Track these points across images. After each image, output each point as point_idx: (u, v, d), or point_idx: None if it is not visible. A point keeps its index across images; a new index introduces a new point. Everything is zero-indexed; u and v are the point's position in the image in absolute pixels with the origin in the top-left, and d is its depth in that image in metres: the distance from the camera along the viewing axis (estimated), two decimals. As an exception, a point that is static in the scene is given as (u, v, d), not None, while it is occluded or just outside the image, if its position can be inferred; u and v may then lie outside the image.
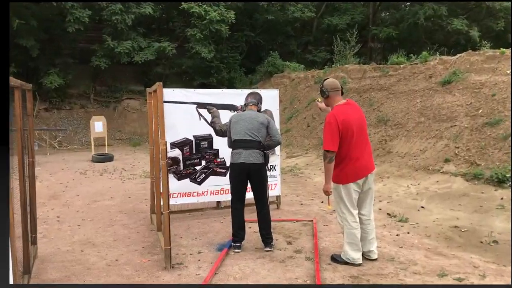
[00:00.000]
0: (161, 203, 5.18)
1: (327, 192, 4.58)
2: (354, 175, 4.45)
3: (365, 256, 4.64)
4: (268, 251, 4.97)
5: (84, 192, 8.43)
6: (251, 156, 4.85)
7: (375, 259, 4.63)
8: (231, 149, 5.06)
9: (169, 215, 4.53)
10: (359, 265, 4.49)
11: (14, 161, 3.67)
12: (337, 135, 4.31)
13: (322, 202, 7.27)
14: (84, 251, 5.11)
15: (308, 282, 4.13)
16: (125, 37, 17.56)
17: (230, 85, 19.83)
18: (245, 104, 5.39)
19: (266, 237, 5.06)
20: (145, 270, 4.49)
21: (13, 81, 3.40)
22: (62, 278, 4.29)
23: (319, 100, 5.13)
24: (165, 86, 5.22)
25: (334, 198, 4.64)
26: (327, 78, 4.80)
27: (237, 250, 4.97)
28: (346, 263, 4.52)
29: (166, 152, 4.64)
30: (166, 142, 4.59)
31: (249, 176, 4.96)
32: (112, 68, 18.47)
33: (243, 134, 4.90)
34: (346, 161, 4.41)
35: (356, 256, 4.51)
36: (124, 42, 17.24)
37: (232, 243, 5.08)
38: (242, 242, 5.09)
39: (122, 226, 6.14)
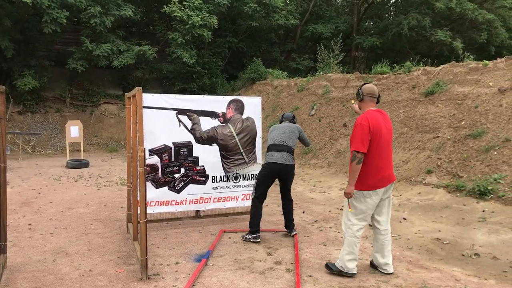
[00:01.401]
0: (138, 212, 5.02)
1: (349, 195, 4.38)
2: (377, 184, 4.34)
3: (381, 270, 4.56)
4: (294, 235, 5.79)
5: (57, 199, 8.14)
6: (282, 158, 5.62)
7: (391, 273, 4.53)
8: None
9: (146, 224, 4.35)
10: (353, 275, 4.44)
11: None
12: (367, 137, 4.23)
13: (303, 212, 7.17)
14: (56, 260, 4.88)
15: (290, 296, 4.00)
16: (104, 39, 17.19)
17: (212, 91, 19.68)
18: (282, 120, 6.24)
19: (292, 224, 5.89)
20: (120, 281, 4.29)
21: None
22: (31, 290, 4.07)
23: (353, 102, 5.11)
24: (144, 91, 5.05)
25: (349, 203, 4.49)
26: (367, 83, 4.69)
27: (258, 240, 5.58)
28: (340, 272, 4.45)
29: (145, 159, 4.47)
30: (144, 148, 4.41)
31: (278, 175, 5.71)
32: (90, 71, 18.08)
33: (277, 141, 5.77)
34: (371, 169, 4.31)
35: (351, 266, 4.43)
36: (102, 45, 16.85)
37: (252, 236, 5.59)
38: None
39: (97, 235, 5.91)
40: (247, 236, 5.64)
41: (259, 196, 5.68)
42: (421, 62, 12.34)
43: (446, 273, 4.57)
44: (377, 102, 4.53)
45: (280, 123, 6.15)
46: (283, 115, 6.50)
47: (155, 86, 20.30)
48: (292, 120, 6.23)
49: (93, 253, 5.14)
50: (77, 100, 18.97)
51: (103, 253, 5.15)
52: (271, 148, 5.76)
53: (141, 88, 4.43)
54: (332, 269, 4.51)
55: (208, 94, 16.77)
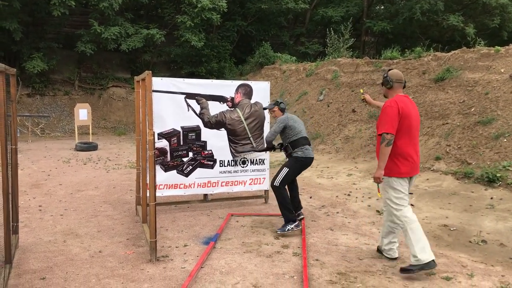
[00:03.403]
0: (147, 195, 5.07)
1: (378, 179, 4.22)
2: (409, 171, 4.22)
3: (386, 254, 4.57)
4: (301, 218, 5.77)
5: (67, 181, 8.23)
6: (312, 151, 5.69)
7: (396, 258, 4.53)
8: (293, 145, 5.53)
9: (155, 207, 4.40)
10: (434, 266, 4.08)
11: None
12: (397, 119, 4.09)
13: (310, 197, 7.20)
14: (66, 241, 4.96)
15: (295, 278, 4.05)
16: (112, 22, 17.16)
17: (220, 75, 19.62)
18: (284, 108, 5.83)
19: (300, 206, 5.92)
20: (129, 262, 4.36)
21: (-5, 64, 3.23)
22: (44, 269, 4.14)
23: (362, 91, 5.05)
24: (153, 74, 5.05)
25: (386, 193, 4.36)
26: (391, 69, 4.50)
27: (300, 227, 5.40)
28: (422, 267, 4.02)
29: (154, 142, 4.50)
30: (154, 132, 4.44)
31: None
32: (98, 54, 18.09)
33: (305, 132, 5.67)
34: (401, 155, 4.17)
35: (426, 257, 4.03)
36: (111, 28, 16.83)
37: (294, 225, 5.30)
38: None
39: (106, 217, 5.98)
40: (288, 227, 5.27)
41: (285, 185, 5.49)
42: (431, 48, 12.18)
43: (452, 259, 4.59)
44: (404, 87, 4.40)
45: (283, 111, 5.78)
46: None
47: (163, 70, 20.27)
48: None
49: (103, 235, 5.21)
50: (86, 83, 19.02)
51: (113, 235, 5.22)
52: (304, 141, 5.54)
53: (150, 72, 4.43)
54: (412, 270, 4.06)
55: (216, 78, 16.70)
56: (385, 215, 4.63)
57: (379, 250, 4.72)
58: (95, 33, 16.66)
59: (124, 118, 18.58)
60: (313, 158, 5.62)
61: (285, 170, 5.39)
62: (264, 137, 6.64)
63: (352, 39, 17.08)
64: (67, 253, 4.60)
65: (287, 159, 5.65)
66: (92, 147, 12.53)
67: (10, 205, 4.16)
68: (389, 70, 4.45)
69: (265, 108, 6.35)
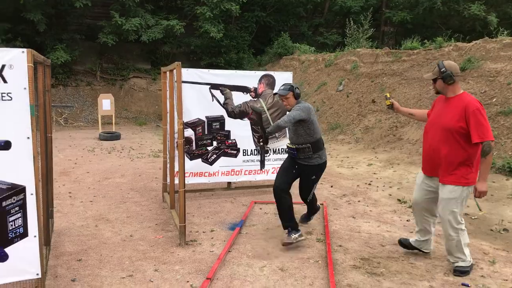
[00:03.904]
0: (176, 182, 5.26)
1: (484, 193, 3.74)
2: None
3: (422, 249, 4.39)
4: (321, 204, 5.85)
5: (94, 169, 8.48)
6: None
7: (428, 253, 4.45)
8: (316, 147, 4.64)
9: (184, 193, 4.58)
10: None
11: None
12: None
13: (331, 186, 7.31)
14: (98, 226, 5.18)
15: (320, 262, 4.19)
16: (133, 14, 17.37)
17: (238, 66, 19.70)
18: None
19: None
20: (159, 246, 4.55)
21: (38, 56, 3.41)
22: (80, 251, 4.36)
23: (388, 95, 4.50)
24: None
25: (449, 204, 3.87)
26: (444, 60, 4.09)
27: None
28: (471, 266, 4.04)
29: (183, 131, 4.66)
30: (183, 122, 4.60)
31: None
32: (119, 45, 18.32)
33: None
34: (477, 159, 3.81)
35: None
36: (132, 19, 17.04)
37: (297, 235, 4.59)
38: None
39: (134, 203, 6.20)
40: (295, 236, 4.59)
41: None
42: (452, 38, 12.10)
43: (474, 247, 4.67)
44: None
45: (298, 98, 4.74)
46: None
47: (182, 61, 20.16)
48: None
49: (132, 220, 5.42)
50: (107, 74, 19.31)
51: (142, 220, 5.42)
52: (322, 144, 4.78)
53: (180, 63, 4.58)
54: (466, 271, 3.96)
55: (235, 69, 16.82)
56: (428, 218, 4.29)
57: (403, 245, 4.49)
58: (116, 25, 16.87)
59: (144, 108, 18.84)
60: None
61: (315, 184, 4.87)
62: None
63: (372, 29, 16.98)
64: (100, 237, 4.82)
65: (300, 162, 4.72)
66: (115, 136, 12.80)
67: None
68: (443, 62, 3.94)
69: (275, 94, 5.35)
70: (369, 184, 7.37)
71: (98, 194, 6.66)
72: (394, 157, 8.65)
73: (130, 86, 19.42)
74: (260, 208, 6.05)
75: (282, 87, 4.68)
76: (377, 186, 7.22)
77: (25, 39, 16.49)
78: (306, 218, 5.32)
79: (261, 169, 4.85)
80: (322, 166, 4.76)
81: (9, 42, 15.95)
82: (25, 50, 3.07)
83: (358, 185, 7.34)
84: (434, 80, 3.97)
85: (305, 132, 4.58)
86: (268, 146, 6.73)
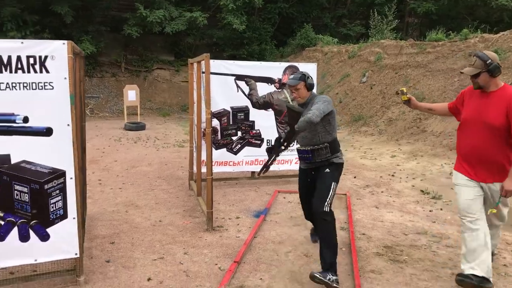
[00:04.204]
0: (203, 170, 5.43)
1: (511, 193, 3.39)
2: None
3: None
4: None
5: (121, 158, 8.72)
6: None
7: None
8: (334, 146, 3.85)
9: (212, 180, 4.73)
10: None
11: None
12: None
13: (355, 177, 7.37)
14: (128, 212, 5.38)
15: (344, 250, 4.29)
16: (157, 6, 17.58)
17: (260, 57, 19.76)
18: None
19: None
20: (188, 231, 4.73)
21: (75, 48, 3.58)
22: (112, 235, 4.57)
23: (404, 90, 4.06)
24: (195, 57, 5.34)
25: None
26: (485, 51, 3.60)
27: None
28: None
29: (211, 121, 4.80)
30: (211, 111, 4.74)
31: None
32: (143, 37, 18.58)
33: None
34: None
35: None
36: (156, 11, 17.27)
37: (335, 277, 3.47)
38: None
39: (161, 190, 6.39)
40: (332, 277, 3.42)
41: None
42: (478, 29, 11.93)
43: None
44: None
45: (311, 89, 3.93)
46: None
47: (205, 53, 20.45)
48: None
49: (161, 206, 5.61)
50: (131, 65, 19.63)
51: (170, 207, 5.61)
52: (338, 145, 3.97)
53: (208, 54, 4.71)
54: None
55: (257, 61, 16.87)
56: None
57: None
58: (140, 17, 17.12)
59: (168, 99, 19.11)
60: None
61: (334, 185, 3.71)
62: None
63: (396, 20, 16.82)
64: (131, 222, 5.01)
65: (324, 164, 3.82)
66: (140, 127, 13.07)
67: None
68: (484, 52, 3.51)
69: (284, 84, 4.63)
70: (392, 175, 7.41)
71: (126, 181, 6.88)
72: (417, 149, 8.65)
73: (154, 78, 19.71)
74: (284, 197, 6.18)
75: (292, 76, 3.93)
76: (400, 177, 7.26)
77: (53, 31, 16.87)
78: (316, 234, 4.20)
79: (258, 174, 4.06)
80: (340, 166, 3.88)
81: (37, 34, 16.38)
82: (65, 42, 3.24)
83: (381, 176, 7.39)
84: (476, 75, 3.45)
85: (324, 129, 3.76)
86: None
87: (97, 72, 18.83)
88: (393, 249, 4.36)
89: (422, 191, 6.50)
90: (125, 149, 9.72)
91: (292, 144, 3.79)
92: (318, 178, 3.80)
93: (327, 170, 3.76)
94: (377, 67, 12.88)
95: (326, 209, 3.58)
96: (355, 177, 7.33)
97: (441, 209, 5.68)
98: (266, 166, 3.83)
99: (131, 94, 13.70)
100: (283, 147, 3.56)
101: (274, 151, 3.75)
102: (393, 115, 10.82)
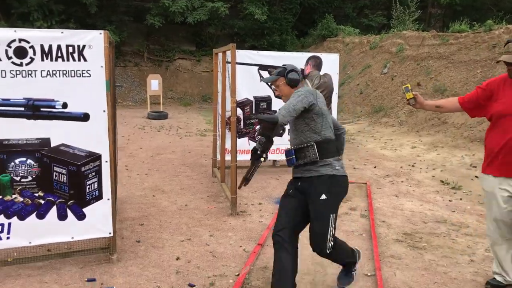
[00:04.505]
0: (227, 158, 5.60)
1: None
2: None
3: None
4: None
5: (146, 145, 8.96)
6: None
7: None
8: (324, 149, 2.97)
9: (236, 167, 4.89)
10: None
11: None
12: None
13: (375, 167, 7.46)
14: (155, 196, 5.59)
15: (364, 236, 4.42)
16: (179, -5, 17.77)
17: (281, 48, 19.81)
18: (298, 78, 3.11)
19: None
20: (212, 215, 4.91)
21: (109, 37, 3.75)
22: (141, 217, 4.78)
23: (409, 87, 3.50)
24: (216, 47, 5.47)
25: None
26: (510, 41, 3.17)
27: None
28: None
29: (236, 110, 4.95)
30: (236, 100, 4.89)
31: None
32: (166, 27, 18.80)
33: (332, 133, 3.10)
34: None
35: None
36: (178, 1, 17.44)
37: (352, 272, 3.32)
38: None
39: (186, 177, 6.59)
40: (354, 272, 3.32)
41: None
42: (503, 20, 11.77)
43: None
44: None
45: (294, 85, 3.10)
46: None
47: (226, 43, 20.46)
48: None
49: (186, 192, 5.81)
50: (154, 55, 19.90)
51: (194, 192, 5.80)
52: (336, 150, 3.08)
53: (234, 44, 4.85)
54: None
55: (278, 51, 16.94)
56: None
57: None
58: (163, 6, 17.33)
59: (189, 89, 19.34)
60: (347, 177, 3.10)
61: (332, 217, 2.93)
62: (332, 107, 6.92)
63: (418, 11, 16.66)
64: (158, 206, 5.22)
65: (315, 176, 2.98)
66: (163, 116, 13.32)
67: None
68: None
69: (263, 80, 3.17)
70: (413, 166, 7.47)
71: (152, 168, 7.10)
72: (438, 140, 8.67)
73: (176, 67, 19.95)
74: (305, 185, 6.31)
75: (274, 72, 3.21)
76: (420, 168, 7.32)
77: (78, 21, 17.21)
78: (345, 275, 3.34)
79: (239, 187, 3.36)
80: (336, 181, 2.96)
81: (63, 23, 16.74)
82: (102, 32, 3.43)
83: (401, 167, 7.46)
84: None
85: (308, 127, 2.97)
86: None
87: (120, 62, 19.12)
88: (412, 236, 4.47)
89: (442, 181, 6.56)
90: (149, 137, 9.96)
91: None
92: (311, 206, 2.97)
93: (323, 197, 2.90)
94: (398, 58, 12.84)
95: (329, 248, 2.96)
96: (375, 167, 7.41)
97: (461, 199, 5.75)
98: (246, 179, 3.15)
99: (154, 84, 13.95)
100: (262, 159, 2.96)
101: (252, 163, 3.04)
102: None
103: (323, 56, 6.87)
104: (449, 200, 5.70)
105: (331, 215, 2.92)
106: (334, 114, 6.96)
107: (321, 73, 6.83)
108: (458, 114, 9.16)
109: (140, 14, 18.69)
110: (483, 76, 9.28)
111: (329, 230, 2.92)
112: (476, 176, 6.66)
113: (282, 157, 6.82)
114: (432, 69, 11.09)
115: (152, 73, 16.50)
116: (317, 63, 6.78)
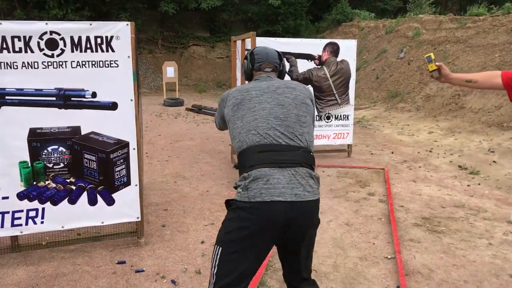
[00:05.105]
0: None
1: None
2: None
3: None
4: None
5: (164, 132, 9.10)
6: (300, 185, 2.05)
7: None
8: (242, 163, 2.16)
9: (256, 154, 4.99)
10: None
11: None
12: None
13: (392, 152, 7.50)
14: (177, 182, 5.73)
15: (383, 220, 4.50)
16: (194, -19, 17.78)
17: (296, 33, 19.73)
18: (253, 68, 2.49)
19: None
20: (234, 201, 5.02)
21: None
22: (164, 203, 4.92)
23: (432, 57, 2.69)
24: (230, 34, 5.53)
25: None
26: None
27: None
28: None
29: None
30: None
31: (282, 230, 2.02)
32: (180, 14, 18.84)
33: (271, 134, 2.13)
34: None
35: None
36: (192, -13, 17.49)
37: None
38: None
39: (205, 163, 6.72)
40: None
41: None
42: (523, 3, 11.59)
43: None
44: None
45: (249, 76, 2.57)
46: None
47: (240, 29, 20.71)
48: (281, 67, 2.56)
49: (206, 178, 5.94)
50: (168, 42, 19.98)
51: (215, 178, 5.93)
52: (260, 157, 2.07)
53: (254, 33, 4.91)
54: None
55: (292, 37, 16.87)
56: None
57: None
58: (177, -7, 17.40)
59: (204, 76, 19.43)
60: (280, 202, 1.96)
61: (215, 249, 2.09)
62: (349, 93, 6.96)
63: (435, -6, 16.48)
64: (180, 191, 5.36)
65: None
66: (179, 102, 13.45)
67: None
68: None
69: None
70: (430, 151, 7.50)
71: (172, 154, 7.24)
72: (455, 126, 8.66)
73: (190, 54, 20.02)
74: (323, 171, 6.40)
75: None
76: (438, 153, 7.35)
77: (92, 8, 17.35)
78: None
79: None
80: (244, 207, 2.03)
81: (78, 11, 16.90)
82: (129, 23, 3.52)
83: (418, 152, 7.49)
84: None
85: (232, 136, 2.28)
86: (329, 112, 7.02)
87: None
88: (431, 220, 4.54)
89: (459, 166, 6.59)
90: (166, 124, 10.10)
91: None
92: None
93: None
94: (415, 43, 12.74)
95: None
96: (392, 153, 7.45)
97: (479, 184, 5.79)
98: None
99: (170, 71, 14.05)
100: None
101: None
102: (431, 91, 10.77)
103: (341, 42, 6.89)
104: (467, 185, 5.74)
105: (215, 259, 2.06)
106: (352, 99, 7.01)
107: (338, 59, 6.87)
108: (476, 99, 9.12)
109: (154, 1, 18.74)
110: (502, 60, 9.20)
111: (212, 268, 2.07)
112: (494, 161, 6.69)
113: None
114: (449, 53, 11.00)
115: (166, 60, 16.60)
116: (334, 49, 6.81)
